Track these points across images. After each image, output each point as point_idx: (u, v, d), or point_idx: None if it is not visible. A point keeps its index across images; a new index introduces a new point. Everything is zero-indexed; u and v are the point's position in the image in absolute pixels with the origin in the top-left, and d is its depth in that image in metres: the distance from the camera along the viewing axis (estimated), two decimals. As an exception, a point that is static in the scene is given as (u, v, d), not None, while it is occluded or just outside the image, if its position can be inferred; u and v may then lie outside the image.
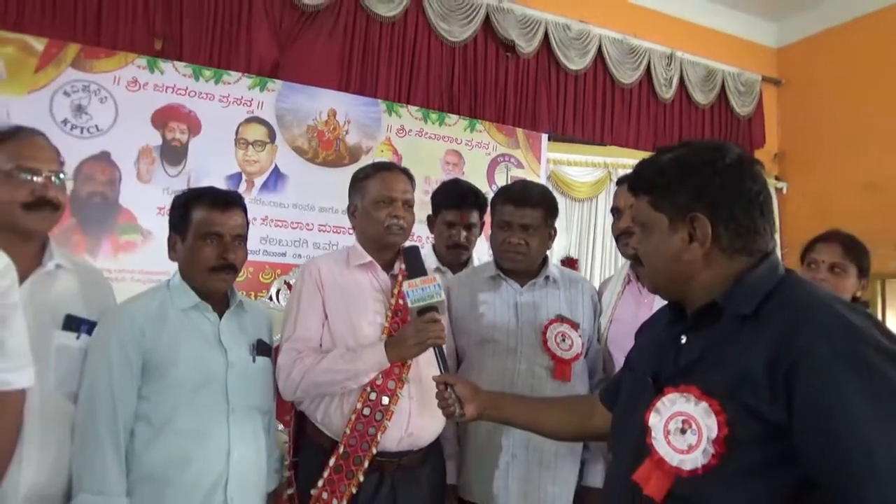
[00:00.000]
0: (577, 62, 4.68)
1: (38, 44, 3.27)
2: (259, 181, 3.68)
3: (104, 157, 3.36)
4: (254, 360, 1.59)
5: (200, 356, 1.51)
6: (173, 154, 3.52)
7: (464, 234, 2.33)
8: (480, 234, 2.43)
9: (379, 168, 1.81)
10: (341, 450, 1.61)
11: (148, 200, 3.41)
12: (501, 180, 4.22)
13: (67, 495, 1.44)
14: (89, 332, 1.49)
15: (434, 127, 4.18)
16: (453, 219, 2.33)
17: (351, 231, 3.33)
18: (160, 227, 3.15)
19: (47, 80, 3.27)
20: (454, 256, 2.36)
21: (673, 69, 5.06)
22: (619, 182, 1.88)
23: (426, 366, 1.67)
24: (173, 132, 3.52)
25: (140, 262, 3.32)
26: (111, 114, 3.39)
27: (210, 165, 3.57)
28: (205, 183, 3.26)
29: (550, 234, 1.92)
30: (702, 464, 0.90)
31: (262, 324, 1.71)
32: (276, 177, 3.73)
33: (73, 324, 1.47)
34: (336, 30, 3.98)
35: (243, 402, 1.54)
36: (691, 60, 5.16)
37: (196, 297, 1.55)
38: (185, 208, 1.57)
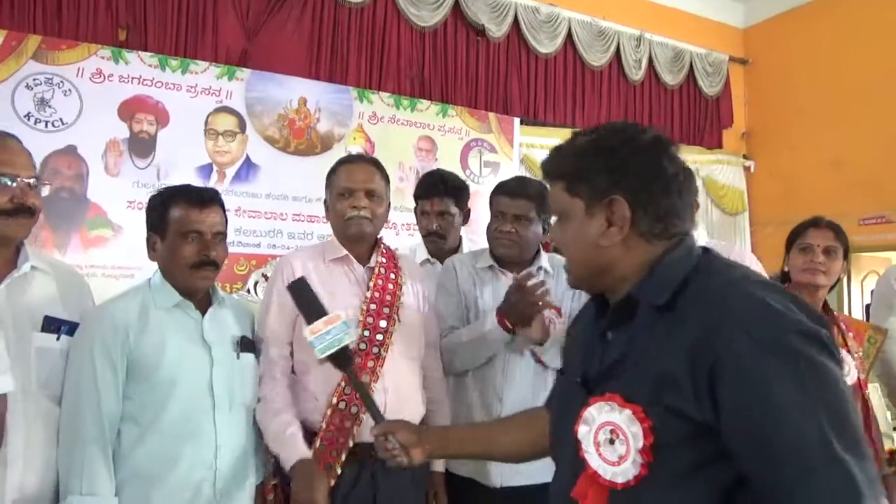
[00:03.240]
0: (547, 45, 4.72)
1: (-2, 36, 3.20)
2: (231, 172, 3.66)
3: (70, 151, 3.31)
4: (238, 357, 1.60)
5: (184, 355, 1.51)
6: (141, 146, 3.48)
7: (436, 222, 2.33)
8: (465, 222, 2.42)
9: (343, 161, 1.82)
10: (318, 443, 1.62)
11: (117, 194, 3.39)
12: (475, 165, 4.28)
13: (56, 496, 1.45)
14: (69, 333, 1.49)
15: (406, 113, 4.17)
16: (425, 208, 2.35)
17: (325, 220, 3.37)
18: (131, 221, 3.33)
19: (8, 73, 3.21)
20: (432, 246, 2.37)
21: (642, 50, 5.13)
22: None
23: (401, 357, 1.70)
24: (141, 124, 3.48)
25: (111, 256, 3.29)
26: (76, 106, 3.35)
27: (180, 157, 3.54)
28: (175, 175, 3.47)
29: (544, 227, 1.94)
30: (633, 475, 0.87)
31: (245, 320, 1.72)
32: (248, 167, 3.71)
33: (52, 325, 1.47)
34: (304, 16, 3.96)
35: (228, 398, 1.55)
36: (660, 42, 5.23)
37: (178, 296, 1.55)
38: (163, 207, 1.57)
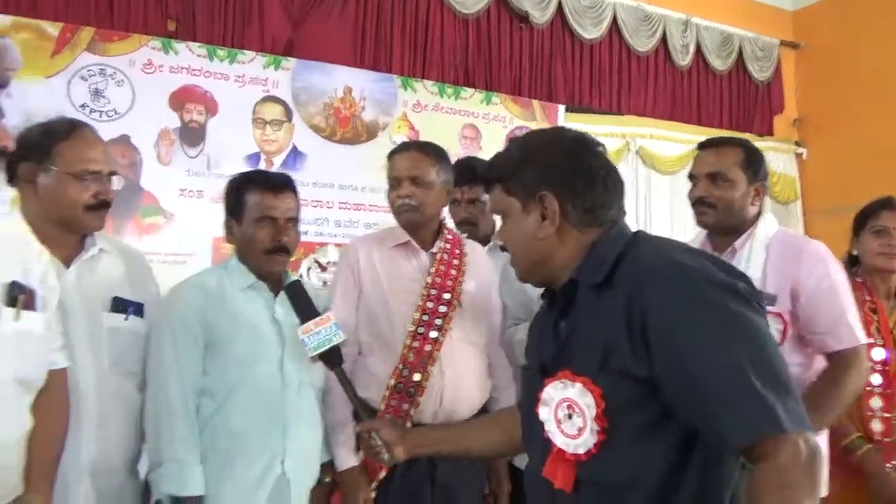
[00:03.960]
0: (591, 31, 4.64)
1: (53, 28, 3.28)
2: (278, 160, 3.69)
3: (124, 141, 3.37)
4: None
5: (257, 334, 1.55)
6: (192, 135, 3.54)
7: (468, 209, 2.31)
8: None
9: (393, 150, 1.86)
10: None
11: (169, 182, 3.46)
12: None
13: (129, 468, 1.53)
14: (136, 314, 1.55)
15: (450, 101, 4.17)
16: (456, 196, 2.30)
17: (371, 207, 3.40)
18: (182, 209, 3.46)
19: (63, 64, 3.28)
20: (463, 234, 2.26)
21: (689, 35, 5.01)
22: (701, 147, 1.83)
23: (461, 343, 1.73)
24: (190, 113, 3.54)
25: (164, 243, 3.34)
26: (128, 97, 3.42)
27: (229, 146, 3.59)
28: (224, 163, 3.57)
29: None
30: (593, 443, 0.93)
31: (315, 302, 1.71)
32: (295, 155, 3.75)
33: (120, 305, 1.52)
34: (348, 5, 3.96)
35: (297, 379, 1.57)
36: (707, 26, 5.10)
37: (253, 278, 1.60)
38: (239, 192, 1.62)
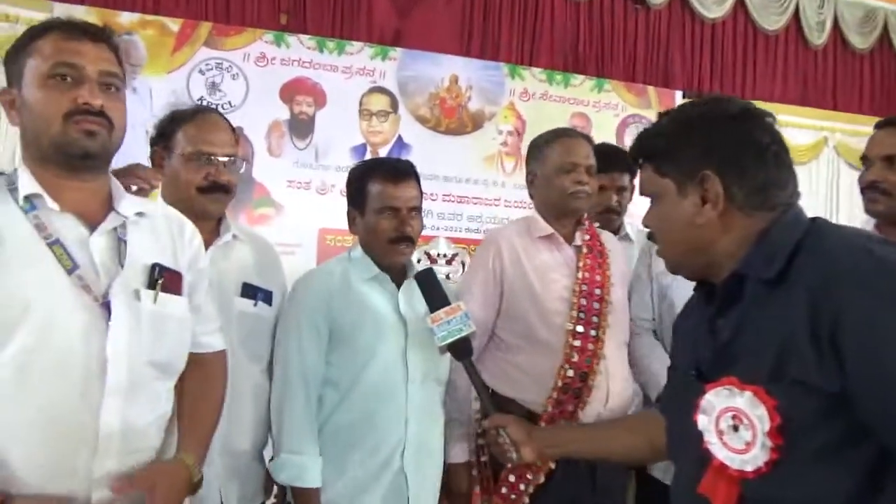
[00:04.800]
0: (713, 10, 4.35)
1: (174, 24, 3.45)
2: (383, 152, 3.71)
3: (238, 133, 3.44)
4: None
5: (380, 325, 1.55)
6: (301, 127, 3.61)
7: (615, 198, 2.26)
8: (631, 199, 2.36)
9: (560, 134, 1.82)
10: (541, 427, 1.61)
11: (279, 174, 3.53)
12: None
13: (255, 451, 1.56)
14: (265, 300, 1.57)
15: (559, 89, 4.06)
16: (603, 183, 2.20)
17: (475, 200, 3.35)
18: (291, 200, 3.54)
19: (184, 59, 3.45)
20: (605, 222, 2.26)
21: (825, 11, 4.59)
22: (878, 126, 1.69)
23: (615, 341, 1.72)
24: (300, 105, 3.61)
25: (274, 234, 3.27)
26: (242, 90, 3.53)
27: (336, 137, 3.64)
28: (332, 155, 3.64)
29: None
30: (764, 461, 0.82)
31: None
32: (400, 146, 3.75)
33: (249, 291, 1.55)
34: (455, -7, 3.92)
35: (421, 372, 1.56)
36: (847, 0, 4.65)
37: (376, 269, 1.59)
38: (361, 182, 1.61)
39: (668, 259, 1.03)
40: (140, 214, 1.13)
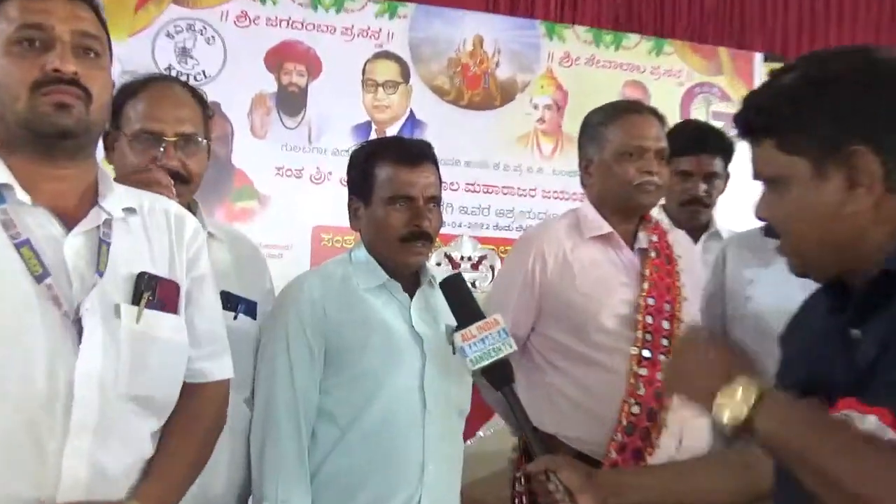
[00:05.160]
0: (800, -48, 3.95)
1: (137, -22, 3.22)
2: (392, 131, 3.40)
3: (214, 109, 3.10)
4: (454, 351, 1.46)
5: (391, 345, 1.46)
6: (291, 102, 3.31)
7: (703, 186, 2.14)
8: (725, 188, 2.24)
9: (622, 110, 1.74)
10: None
11: (264, 159, 3.24)
12: (700, 117, 3.65)
13: (244, 498, 1.49)
14: (247, 313, 1.49)
15: (608, 52, 3.69)
16: (688, 167, 2.15)
17: (506, 190, 3.37)
18: (279, 191, 3.22)
19: (148, 20, 3.12)
20: (689, 216, 2.18)
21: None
22: None
23: None
24: (290, 75, 3.30)
25: (259, 232, 3.02)
26: (219, 56, 3.20)
27: (334, 114, 3.34)
28: (328, 135, 3.31)
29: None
30: None
31: None
32: (412, 125, 3.45)
33: (228, 302, 1.42)
34: (480, -65, 3.63)
35: (443, 401, 1.48)
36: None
37: (384, 275, 1.49)
38: (367, 165, 1.51)
39: (797, 258, 0.94)
40: (130, 211, 1.07)
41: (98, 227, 1.02)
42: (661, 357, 1.58)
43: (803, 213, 0.89)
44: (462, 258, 3.34)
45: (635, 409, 1.56)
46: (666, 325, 1.61)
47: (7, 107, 0.98)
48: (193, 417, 1.12)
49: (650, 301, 1.61)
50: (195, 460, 1.13)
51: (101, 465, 0.97)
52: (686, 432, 1.58)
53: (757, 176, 0.93)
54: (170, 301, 1.06)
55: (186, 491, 1.11)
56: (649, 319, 1.60)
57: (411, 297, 1.50)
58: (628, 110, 1.73)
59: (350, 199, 1.54)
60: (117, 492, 1.00)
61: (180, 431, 1.10)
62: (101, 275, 0.99)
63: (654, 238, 1.69)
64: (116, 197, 1.05)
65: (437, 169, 1.53)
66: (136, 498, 1.01)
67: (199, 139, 1.42)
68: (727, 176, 2.20)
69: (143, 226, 1.08)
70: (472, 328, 1.30)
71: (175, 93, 1.44)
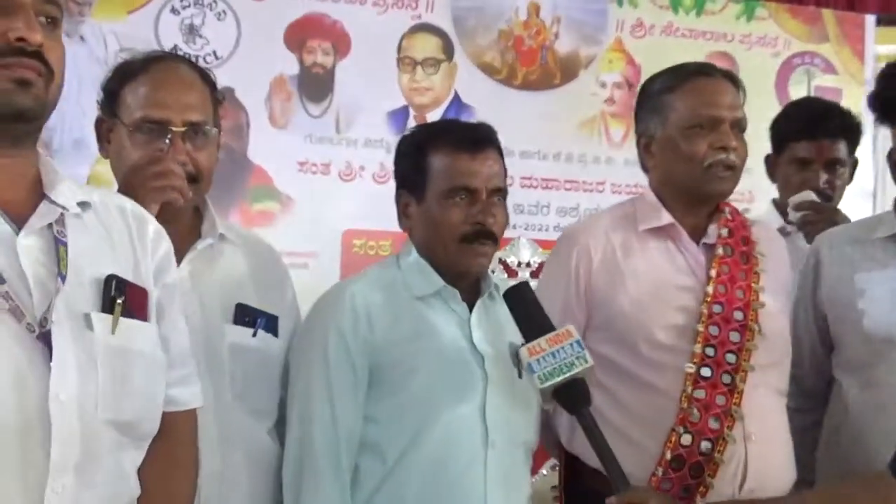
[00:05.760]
0: None
1: (137, -56, 3.01)
2: (433, 117, 3.11)
3: (226, 95, 2.88)
4: (520, 375, 1.41)
5: (447, 364, 1.40)
6: (315, 85, 3.06)
7: (824, 176, 2.05)
8: (852, 178, 2.17)
9: (688, 73, 1.61)
10: None
11: (285, 152, 3.00)
12: (800, 94, 3.32)
13: None
14: (268, 328, 1.44)
15: (689, 19, 3.36)
16: (806, 154, 2.08)
17: (568, 184, 3.22)
18: (303, 190, 3.03)
19: (150, -5, 3.02)
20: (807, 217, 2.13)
21: None
22: None
23: (766, 389, 1.52)
24: (314, 54, 3.05)
25: (280, 238, 2.74)
26: (232, 34, 2.96)
27: (365, 99, 3.09)
28: (359, 125, 3.12)
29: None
30: None
31: None
32: (458, 109, 3.18)
33: (245, 316, 1.40)
34: None
35: (507, 432, 1.41)
36: None
37: (440, 281, 1.43)
38: (419, 154, 1.47)
39: None
40: (84, 205, 1.00)
41: (51, 224, 0.96)
42: (725, 377, 1.47)
43: None
44: (519, 264, 3.01)
45: (685, 440, 1.46)
46: (735, 337, 1.48)
47: None
48: (175, 460, 1.10)
49: (716, 309, 1.50)
50: (185, 501, 1.13)
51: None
52: (753, 472, 1.46)
53: None
54: (139, 310, 1.01)
55: None
56: (713, 330, 1.49)
57: (471, 308, 1.44)
58: (697, 73, 1.60)
59: (399, 194, 1.48)
60: None
61: (165, 485, 1.07)
62: (63, 279, 0.94)
63: (727, 233, 1.55)
64: (66, 189, 0.99)
65: (502, 157, 1.47)
66: None
67: (209, 128, 1.36)
68: (854, 163, 2.12)
69: (101, 223, 1.04)
70: (541, 341, 1.27)
71: (181, 75, 1.39)
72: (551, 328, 1.30)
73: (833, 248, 1.73)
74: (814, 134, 2.04)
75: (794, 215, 2.09)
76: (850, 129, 2.10)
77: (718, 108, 1.51)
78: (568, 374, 1.24)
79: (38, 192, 0.98)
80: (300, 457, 1.35)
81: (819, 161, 2.05)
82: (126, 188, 1.30)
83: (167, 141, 1.31)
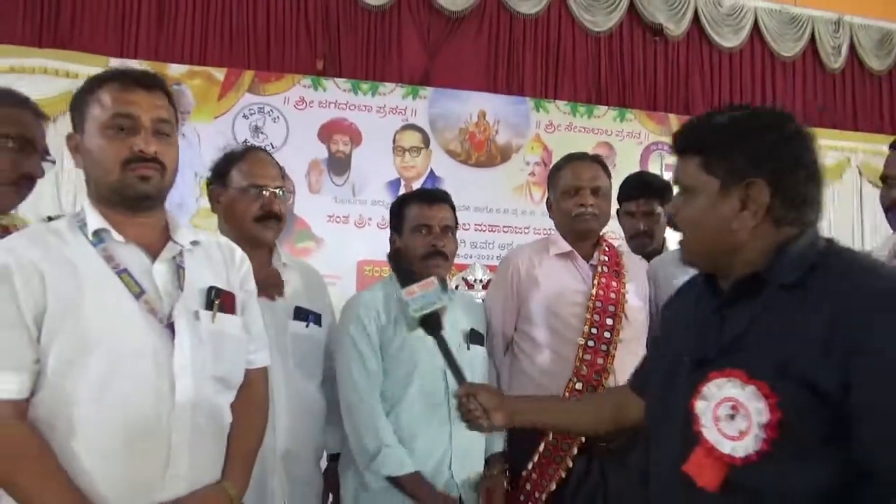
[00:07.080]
0: (731, 39, 4.46)
1: (219, 73, 3.68)
2: (416, 185, 3.82)
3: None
4: (468, 348, 1.68)
5: (420, 344, 1.58)
6: (338, 165, 3.78)
7: (642, 224, 2.30)
8: (666, 223, 2.31)
9: (569, 159, 1.86)
10: (550, 436, 1.67)
11: (319, 209, 3.68)
12: (655, 169, 4.10)
13: (314, 459, 1.66)
14: (315, 322, 1.65)
15: (583, 120, 4.15)
16: (631, 209, 2.34)
17: (505, 229, 3.51)
18: (331, 234, 3.69)
19: (228, 105, 3.67)
20: (637, 246, 2.33)
21: (841, 35, 4.66)
22: (893, 146, 1.69)
23: (630, 356, 1.66)
24: (337, 144, 3.78)
25: (316, 266, 3.21)
26: (283, 132, 3.70)
27: (371, 173, 3.79)
28: (368, 190, 3.79)
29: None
30: (754, 450, 0.86)
31: (476, 314, 1.81)
32: (433, 180, 3.87)
33: (301, 314, 1.63)
34: (481, 33, 4.09)
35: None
36: (862, 24, 4.73)
37: None
38: (400, 208, 1.73)
39: (688, 253, 1.04)
40: (195, 243, 1.19)
41: (174, 256, 1.15)
42: (602, 346, 1.70)
43: (701, 220, 0.98)
44: (475, 280, 3.59)
45: (578, 386, 1.68)
46: (609, 321, 1.72)
47: (103, 176, 1.11)
48: (253, 401, 1.25)
49: (598, 304, 1.74)
50: (259, 440, 1.25)
51: (199, 431, 1.09)
52: None
53: (676, 182, 1.02)
54: (230, 306, 1.19)
55: (256, 455, 1.23)
56: (596, 318, 1.72)
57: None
58: (571, 158, 1.85)
59: (391, 235, 1.72)
60: (210, 453, 1.12)
61: (247, 421, 1.22)
62: (182, 290, 1.12)
63: (606, 258, 1.81)
64: (184, 233, 1.19)
65: (453, 208, 1.71)
66: (227, 478, 1.14)
67: (287, 192, 1.65)
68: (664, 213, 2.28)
69: (205, 253, 1.21)
70: (414, 286, 1.37)
71: (269, 158, 1.65)
72: (420, 279, 1.40)
73: (661, 268, 1.95)
74: (636, 196, 2.28)
75: (630, 244, 2.35)
76: (661, 192, 2.27)
77: (580, 180, 1.77)
78: (431, 309, 1.36)
79: (165, 235, 1.17)
80: (350, 395, 1.60)
81: (639, 214, 2.29)
82: (241, 229, 1.56)
83: (265, 194, 1.57)
